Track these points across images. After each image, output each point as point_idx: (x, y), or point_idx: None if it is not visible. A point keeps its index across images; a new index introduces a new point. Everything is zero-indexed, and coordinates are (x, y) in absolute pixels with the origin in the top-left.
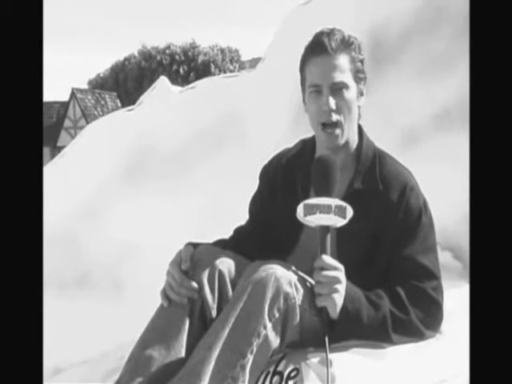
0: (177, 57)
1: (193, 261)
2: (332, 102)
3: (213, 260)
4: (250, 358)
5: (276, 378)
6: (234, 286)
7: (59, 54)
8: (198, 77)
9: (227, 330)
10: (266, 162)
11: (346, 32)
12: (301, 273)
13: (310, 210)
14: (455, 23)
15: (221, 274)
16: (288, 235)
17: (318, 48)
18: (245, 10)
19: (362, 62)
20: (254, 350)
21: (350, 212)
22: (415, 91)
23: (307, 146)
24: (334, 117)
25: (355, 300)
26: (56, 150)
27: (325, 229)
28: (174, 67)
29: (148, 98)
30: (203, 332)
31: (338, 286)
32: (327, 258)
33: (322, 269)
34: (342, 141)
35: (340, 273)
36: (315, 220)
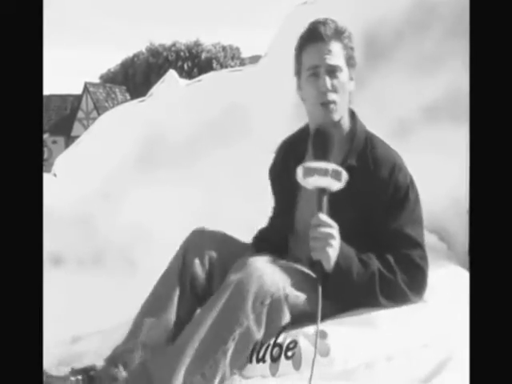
0: (182, 54)
1: (186, 244)
2: (329, 82)
3: (204, 242)
4: (232, 344)
5: (276, 349)
6: (223, 267)
7: (74, 51)
8: (201, 72)
9: (211, 319)
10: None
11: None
12: (283, 262)
13: (309, 172)
14: (445, 23)
15: (211, 256)
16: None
17: (315, 35)
18: (245, 11)
19: (352, 49)
20: (236, 337)
21: (345, 176)
22: (407, 86)
23: (304, 130)
24: (331, 96)
25: (347, 257)
26: (70, 139)
27: (322, 191)
28: (179, 63)
29: (158, 90)
30: (193, 306)
31: (332, 241)
32: (323, 216)
33: (318, 226)
34: (336, 116)
35: (334, 230)
36: (313, 182)
